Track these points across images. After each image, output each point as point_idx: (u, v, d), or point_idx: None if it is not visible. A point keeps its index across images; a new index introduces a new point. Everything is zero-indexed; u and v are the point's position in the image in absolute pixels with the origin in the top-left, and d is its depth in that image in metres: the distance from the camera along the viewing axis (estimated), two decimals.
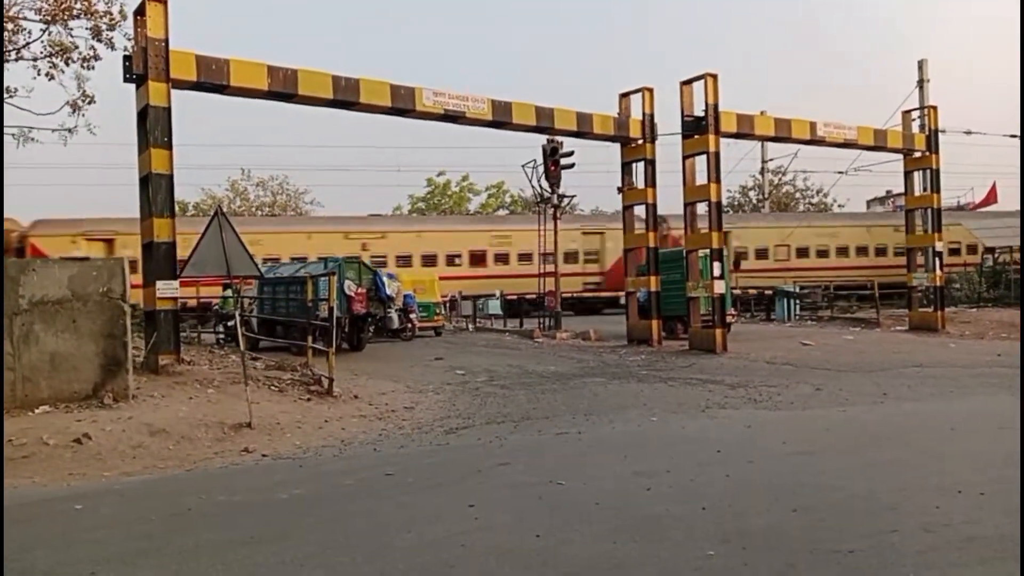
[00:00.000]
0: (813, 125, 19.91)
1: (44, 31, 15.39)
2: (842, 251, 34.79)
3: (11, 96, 15.00)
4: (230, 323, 16.98)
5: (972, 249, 33.27)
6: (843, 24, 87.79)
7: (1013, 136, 33.05)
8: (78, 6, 15.20)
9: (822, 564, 4.24)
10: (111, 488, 6.56)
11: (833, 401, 10.38)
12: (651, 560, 4.37)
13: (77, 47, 15.47)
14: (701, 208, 18.43)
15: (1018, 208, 35.11)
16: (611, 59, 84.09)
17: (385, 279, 18.59)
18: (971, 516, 4.99)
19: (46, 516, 5.63)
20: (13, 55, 15.05)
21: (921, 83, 29.33)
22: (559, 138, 20.83)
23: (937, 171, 22.46)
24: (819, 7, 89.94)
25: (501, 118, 16.61)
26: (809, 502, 5.40)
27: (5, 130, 14.01)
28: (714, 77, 17.86)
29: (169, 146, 12.47)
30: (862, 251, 35.01)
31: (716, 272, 17.72)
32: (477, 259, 32.28)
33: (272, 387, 11.16)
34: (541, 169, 22.58)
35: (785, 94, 78.33)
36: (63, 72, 15.53)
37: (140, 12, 12.49)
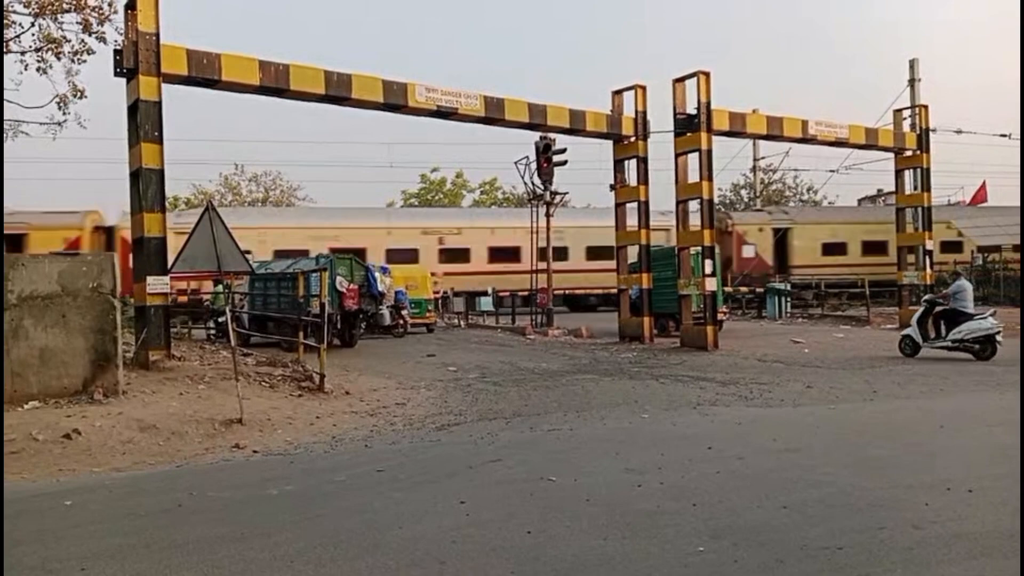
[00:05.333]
0: (805, 123, 19.98)
1: (33, 24, 15.30)
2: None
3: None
4: (221, 319, 16.94)
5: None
6: (835, 22, 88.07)
7: (1003, 135, 33.33)
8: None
9: (811, 560, 4.26)
10: (101, 483, 6.53)
11: (823, 398, 10.42)
12: (641, 556, 4.38)
13: (68, 40, 15.39)
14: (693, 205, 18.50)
15: (1004, 205, 35.44)
16: (604, 56, 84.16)
17: (377, 275, 18.57)
18: (959, 513, 5.03)
19: (35, 512, 5.60)
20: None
21: (912, 82, 29.48)
22: (552, 135, 20.84)
23: (928, 170, 22.59)
24: (811, 6, 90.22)
25: (493, 114, 16.60)
26: (799, 498, 5.43)
27: None
28: (707, 75, 17.89)
29: (160, 140, 12.42)
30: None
31: (707, 269, 17.78)
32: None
33: (263, 383, 11.14)
34: (534, 166, 22.58)
35: (777, 92, 78.53)
36: (51, 67, 15.44)
37: (131, 6, 12.42)
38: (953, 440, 7.64)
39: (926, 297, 15.89)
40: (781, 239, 32.07)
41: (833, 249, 32.09)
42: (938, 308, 14.72)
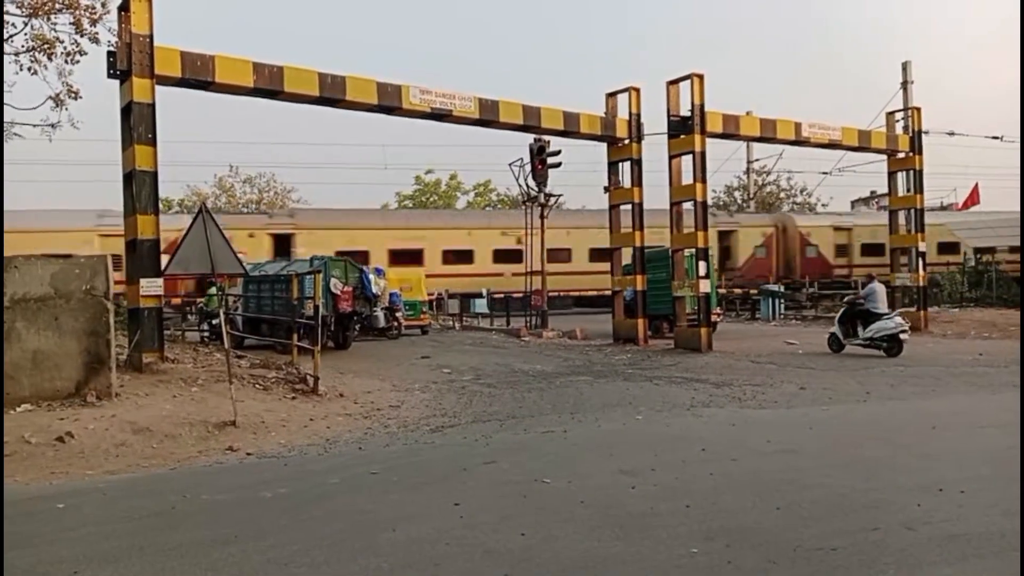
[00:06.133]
0: (798, 126, 20.04)
1: (26, 24, 15.25)
2: None
3: None
4: (215, 321, 16.90)
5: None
6: (828, 25, 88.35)
7: (995, 138, 33.46)
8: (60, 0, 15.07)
9: (804, 561, 4.27)
10: (94, 487, 6.51)
11: (817, 400, 10.45)
12: (635, 558, 4.39)
13: (62, 41, 15.35)
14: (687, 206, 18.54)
15: (1001, 209, 35.62)
16: (598, 59, 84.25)
17: (372, 277, 18.55)
18: (952, 514, 5.05)
19: (27, 515, 5.57)
20: None
21: (905, 84, 29.60)
22: (546, 137, 20.86)
23: (920, 172, 22.67)
24: (806, 8, 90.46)
25: (488, 117, 16.61)
26: (792, 500, 5.44)
27: None
28: (700, 77, 17.94)
29: (153, 143, 12.39)
30: None
31: (702, 271, 17.81)
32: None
33: (257, 385, 11.11)
34: (528, 168, 22.59)
35: (771, 94, 78.74)
36: (46, 68, 15.40)
37: (124, 7, 12.39)
38: (946, 441, 7.67)
39: (846, 298, 17.19)
40: (284, 245, 29.07)
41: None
42: (857, 308, 16.02)
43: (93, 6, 15.21)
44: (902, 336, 15.33)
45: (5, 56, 15.10)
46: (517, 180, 23.62)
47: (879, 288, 16.27)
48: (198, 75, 13.15)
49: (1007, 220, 29.78)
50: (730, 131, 19.21)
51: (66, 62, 15.36)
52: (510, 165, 23.56)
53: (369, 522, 5.21)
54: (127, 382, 10.24)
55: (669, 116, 18.18)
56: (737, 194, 49.08)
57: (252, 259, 29.44)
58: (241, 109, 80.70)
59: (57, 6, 15.12)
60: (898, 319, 15.66)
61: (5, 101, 15.07)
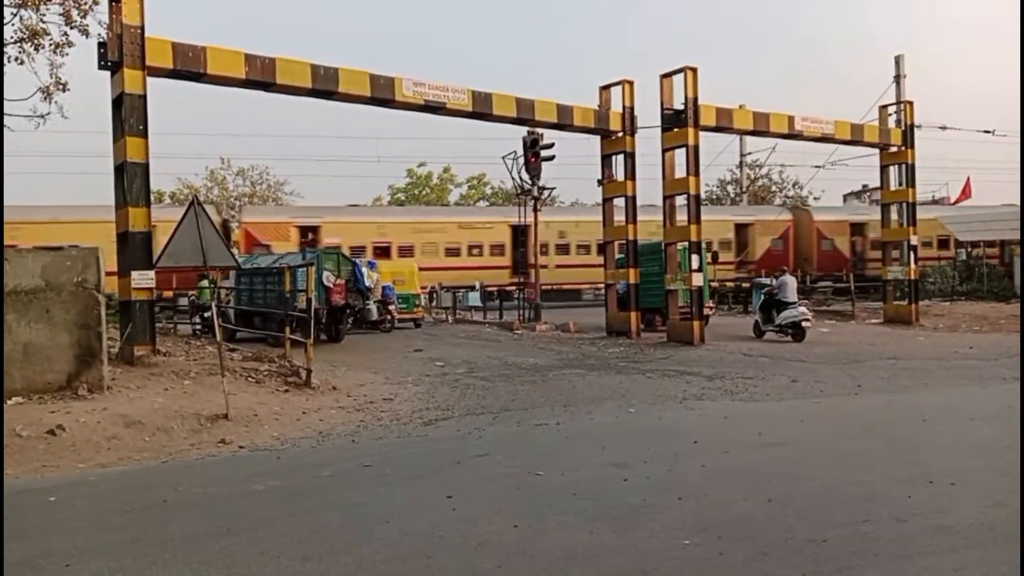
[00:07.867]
0: (791, 119, 20.05)
1: (15, 15, 15.11)
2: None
3: None
4: (207, 314, 16.84)
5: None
6: (822, 19, 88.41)
7: (987, 131, 33.55)
8: None
9: (795, 553, 4.30)
10: (85, 480, 6.49)
11: (808, 393, 10.50)
12: (628, 550, 4.41)
13: (48, 33, 15.20)
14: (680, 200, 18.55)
15: (991, 203, 35.75)
16: (592, 52, 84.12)
17: (364, 270, 18.51)
18: (942, 506, 5.09)
19: (19, 508, 5.55)
20: None
21: (898, 78, 29.62)
22: (539, 130, 20.82)
23: (912, 166, 22.71)
24: (800, 1, 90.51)
25: (481, 109, 16.56)
26: (784, 492, 5.47)
27: None
28: (694, 71, 17.92)
29: (145, 134, 12.31)
30: None
31: (695, 265, 17.84)
32: None
33: (249, 378, 11.09)
34: (521, 161, 22.55)
35: (765, 88, 78.74)
36: (34, 60, 15.26)
37: None
38: (936, 434, 7.72)
39: (764, 290, 18.79)
40: None
41: None
42: (773, 298, 17.88)
43: None
44: (804, 324, 17.20)
45: None
46: (511, 173, 23.58)
47: (790, 280, 18.14)
48: (190, 66, 13.06)
49: (1003, 214, 29.83)
50: (723, 124, 19.20)
51: (55, 53, 15.22)
52: (503, 158, 23.52)
53: (362, 514, 5.21)
54: (119, 375, 10.21)
55: (662, 109, 18.16)
56: (730, 188, 49.13)
57: None
58: (234, 102, 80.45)
59: None
60: (801, 309, 17.62)
61: None
